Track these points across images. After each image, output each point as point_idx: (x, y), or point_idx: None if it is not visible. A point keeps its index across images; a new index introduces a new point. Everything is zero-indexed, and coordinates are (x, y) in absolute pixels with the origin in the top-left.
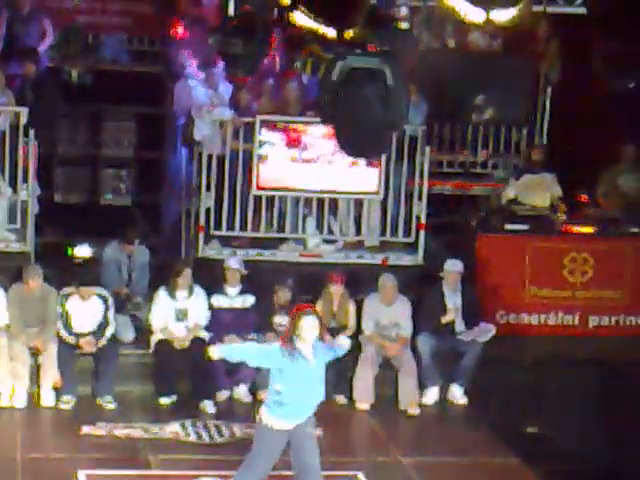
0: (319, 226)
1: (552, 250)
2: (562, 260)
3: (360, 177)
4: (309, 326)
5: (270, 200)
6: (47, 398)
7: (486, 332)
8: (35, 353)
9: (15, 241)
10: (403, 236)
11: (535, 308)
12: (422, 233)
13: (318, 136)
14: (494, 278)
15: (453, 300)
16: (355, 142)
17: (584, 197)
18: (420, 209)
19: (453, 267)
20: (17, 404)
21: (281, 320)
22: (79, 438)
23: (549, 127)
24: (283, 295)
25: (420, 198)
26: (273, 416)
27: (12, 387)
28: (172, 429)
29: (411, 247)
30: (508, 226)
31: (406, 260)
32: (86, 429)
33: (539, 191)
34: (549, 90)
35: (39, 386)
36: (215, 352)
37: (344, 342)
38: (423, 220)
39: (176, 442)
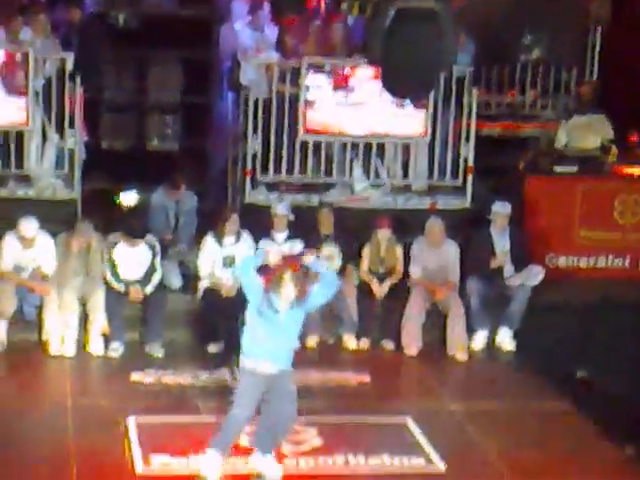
0: (366, 170)
1: (602, 192)
2: (612, 202)
3: (407, 120)
4: (288, 285)
5: (317, 145)
6: (96, 346)
7: (535, 276)
8: (83, 301)
9: (62, 188)
10: (451, 179)
11: (585, 251)
12: (470, 176)
13: (365, 78)
14: (543, 221)
15: (501, 243)
16: (402, 83)
17: (635, 137)
18: (468, 152)
19: (501, 209)
20: (66, 352)
21: (329, 250)
22: (128, 385)
23: (599, 67)
24: (325, 221)
25: (468, 140)
26: (249, 358)
27: (61, 335)
28: (220, 375)
29: (459, 190)
30: (557, 168)
31: (454, 203)
32: (135, 376)
33: (589, 132)
34: (599, 29)
35: (88, 334)
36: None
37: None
38: (471, 163)
39: (225, 389)
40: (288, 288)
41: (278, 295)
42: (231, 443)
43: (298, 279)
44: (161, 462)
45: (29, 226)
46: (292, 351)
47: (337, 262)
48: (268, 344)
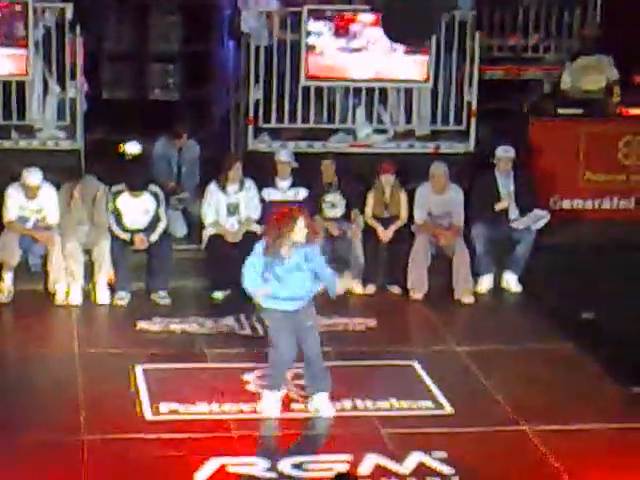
0: (369, 116)
1: (607, 134)
2: (617, 144)
3: (410, 65)
4: (301, 230)
5: (319, 91)
6: (102, 295)
7: (540, 219)
8: (88, 251)
9: (65, 139)
10: (454, 124)
11: (589, 193)
12: (473, 120)
13: (366, 24)
14: (547, 164)
15: (506, 187)
16: (403, 27)
17: (639, 78)
18: (471, 96)
19: (504, 153)
20: (73, 301)
21: (332, 198)
22: (135, 333)
23: (602, 8)
24: (328, 169)
25: (471, 85)
26: (268, 301)
27: (67, 285)
28: (227, 323)
29: (462, 135)
30: (561, 110)
31: (457, 148)
32: (142, 324)
33: (594, 74)
34: None
35: (94, 283)
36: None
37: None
38: (474, 107)
39: (231, 336)
40: (301, 233)
41: (287, 240)
42: (282, 380)
43: (309, 224)
44: (169, 409)
45: (33, 176)
46: (310, 291)
47: (340, 210)
48: (283, 292)
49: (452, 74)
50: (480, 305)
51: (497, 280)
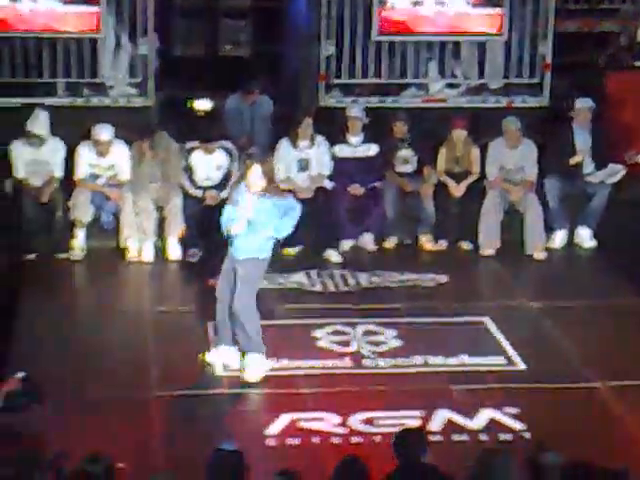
0: (442, 70)
1: None
2: None
3: (483, 18)
4: (254, 177)
5: (391, 45)
6: (174, 251)
7: (615, 173)
8: (160, 207)
9: (136, 96)
10: (528, 77)
11: None
12: (548, 73)
13: None
14: (624, 117)
15: (583, 140)
16: None
17: None
18: (545, 48)
19: (585, 104)
20: (145, 258)
21: (404, 154)
22: (206, 290)
23: None
24: (400, 128)
25: (545, 37)
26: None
27: (139, 242)
28: (297, 279)
29: (536, 88)
30: (638, 63)
31: (531, 102)
32: (213, 281)
33: None
34: None
35: (165, 240)
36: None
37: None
38: (548, 60)
39: (301, 291)
40: (255, 175)
41: (247, 187)
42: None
43: (266, 170)
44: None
45: (104, 132)
46: (263, 241)
47: (412, 166)
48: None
49: (526, 27)
50: (553, 260)
51: (570, 235)
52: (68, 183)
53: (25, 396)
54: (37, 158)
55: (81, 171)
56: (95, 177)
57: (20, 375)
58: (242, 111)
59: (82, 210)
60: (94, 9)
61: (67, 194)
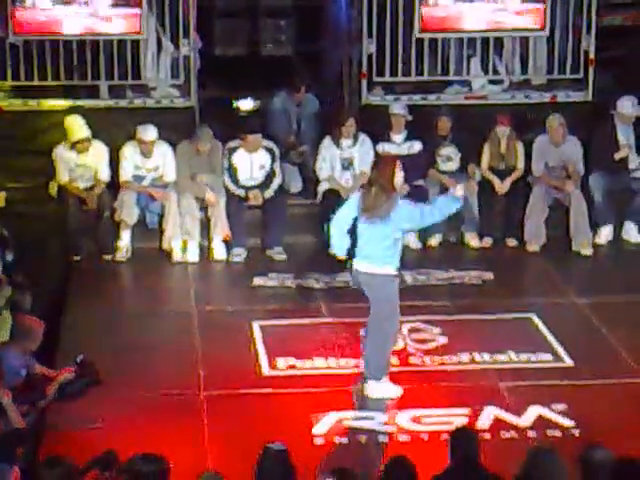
0: (484, 67)
1: None
2: None
3: (525, 13)
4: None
5: (433, 43)
6: (218, 251)
7: None
8: (204, 207)
9: (179, 96)
10: (571, 73)
11: None
12: (591, 69)
13: None
14: None
15: (626, 135)
16: None
17: None
18: (589, 43)
19: (629, 104)
20: (189, 258)
21: (447, 151)
22: (251, 290)
23: None
24: (443, 124)
25: (588, 32)
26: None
27: (183, 242)
28: (343, 278)
29: (580, 83)
30: None
31: (575, 97)
32: (258, 281)
33: None
34: None
35: (210, 240)
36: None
37: (459, 192)
38: (592, 55)
39: (347, 290)
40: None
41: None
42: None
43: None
44: (286, 364)
45: (149, 133)
46: (381, 251)
47: (455, 163)
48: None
49: (569, 21)
50: (599, 256)
51: (617, 231)
52: (113, 184)
53: (81, 381)
54: (81, 163)
55: (125, 173)
56: (140, 178)
57: (78, 358)
58: (289, 110)
59: (128, 211)
60: (136, 11)
61: (113, 195)
